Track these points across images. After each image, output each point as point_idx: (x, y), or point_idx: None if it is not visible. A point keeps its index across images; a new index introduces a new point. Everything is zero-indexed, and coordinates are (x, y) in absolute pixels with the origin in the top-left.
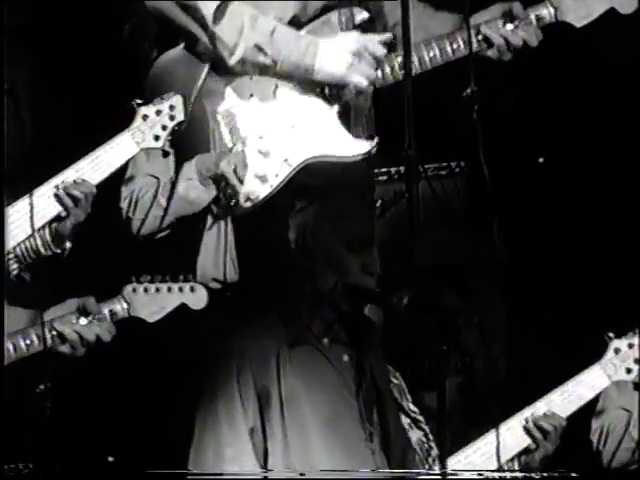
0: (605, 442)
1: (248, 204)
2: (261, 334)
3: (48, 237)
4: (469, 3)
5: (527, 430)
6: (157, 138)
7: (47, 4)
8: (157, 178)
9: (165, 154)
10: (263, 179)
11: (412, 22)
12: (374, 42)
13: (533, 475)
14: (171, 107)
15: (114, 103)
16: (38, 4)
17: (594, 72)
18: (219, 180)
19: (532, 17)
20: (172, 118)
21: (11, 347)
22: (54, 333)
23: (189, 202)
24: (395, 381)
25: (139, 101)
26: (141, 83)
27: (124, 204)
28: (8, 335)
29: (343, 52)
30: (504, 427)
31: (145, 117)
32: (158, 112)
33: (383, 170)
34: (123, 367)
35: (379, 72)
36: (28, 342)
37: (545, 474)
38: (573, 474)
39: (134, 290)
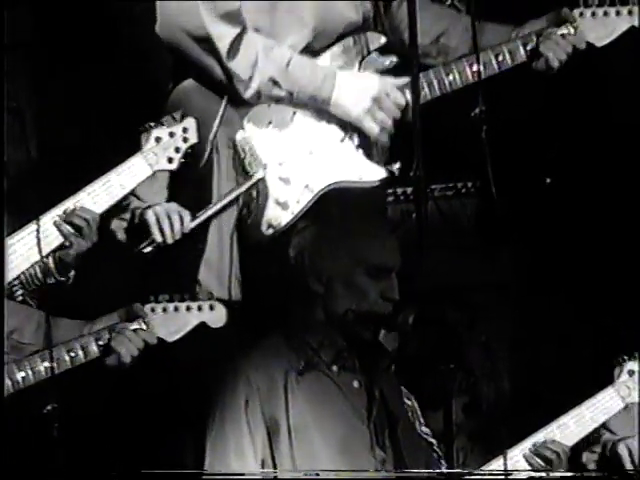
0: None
1: (270, 231)
2: (268, 360)
3: (52, 265)
4: (474, 21)
5: (528, 460)
6: (170, 160)
7: (52, 23)
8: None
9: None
10: (284, 206)
11: (459, 32)
12: (396, 89)
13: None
14: (184, 129)
15: (120, 124)
16: (42, 23)
17: (604, 92)
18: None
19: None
20: (185, 140)
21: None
22: (102, 343)
23: None
24: (408, 402)
25: (152, 124)
26: (150, 106)
27: None
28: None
29: (363, 94)
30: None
31: (158, 139)
32: (171, 134)
33: (389, 191)
34: (132, 387)
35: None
36: (73, 354)
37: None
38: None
39: (152, 310)
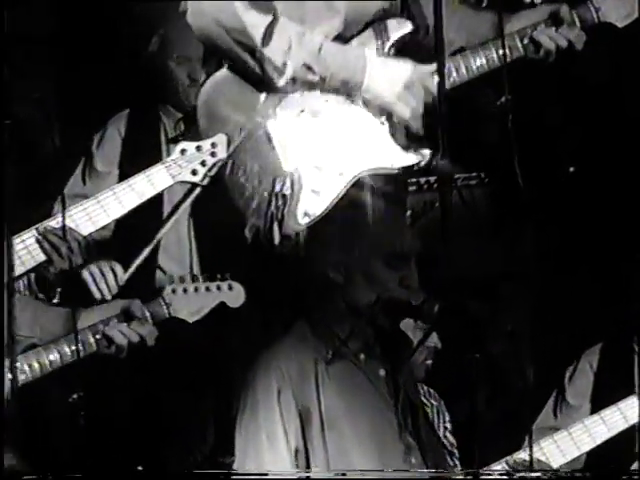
0: None
1: (306, 220)
2: (297, 349)
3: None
4: (501, 9)
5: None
6: (194, 172)
7: (73, 15)
8: None
9: None
10: (319, 194)
11: (455, 24)
12: (428, 75)
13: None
14: (213, 144)
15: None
16: (64, 15)
17: (626, 79)
18: None
19: (575, 18)
20: (213, 155)
21: (56, 354)
22: (99, 337)
23: None
24: (433, 402)
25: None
26: (166, 95)
27: None
28: (50, 342)
29: (395, 80)
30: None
31: (183, 151)
32: (198, 148)
33: (412, 180)
34: (155, 374)
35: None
36: (74, 348)
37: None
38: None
39: (173, 291)
